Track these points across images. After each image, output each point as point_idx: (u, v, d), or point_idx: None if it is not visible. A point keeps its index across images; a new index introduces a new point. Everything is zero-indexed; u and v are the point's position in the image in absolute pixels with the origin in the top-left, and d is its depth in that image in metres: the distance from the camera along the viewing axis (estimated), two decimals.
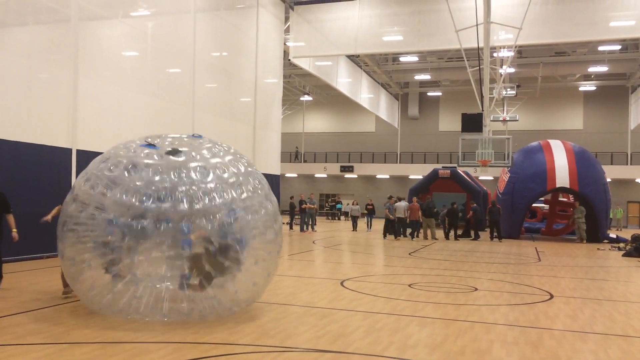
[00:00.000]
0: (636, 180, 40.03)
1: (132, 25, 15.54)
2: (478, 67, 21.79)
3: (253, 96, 21.14)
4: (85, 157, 13.15)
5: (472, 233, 22.85)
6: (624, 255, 17.22)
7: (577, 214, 22.07)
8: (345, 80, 32.06)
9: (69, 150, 12.74)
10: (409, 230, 22.24)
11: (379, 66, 37.28)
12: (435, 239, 21.93)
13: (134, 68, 15.21)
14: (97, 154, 13.51)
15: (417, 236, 21.98)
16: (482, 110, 22.11)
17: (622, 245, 19.77)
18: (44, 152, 12.07)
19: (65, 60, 12.78)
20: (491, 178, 38.91)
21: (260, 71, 21.44)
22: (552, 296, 9.27)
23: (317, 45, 24.49)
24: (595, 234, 22.10)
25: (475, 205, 23.26)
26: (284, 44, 24.67)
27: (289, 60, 25.99)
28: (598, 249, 19.60)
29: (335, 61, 30.08)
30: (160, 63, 16.16)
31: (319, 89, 42.17)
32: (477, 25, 20.39)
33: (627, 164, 40.11)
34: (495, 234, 22.13)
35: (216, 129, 17.44)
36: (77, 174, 12.86)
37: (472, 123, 22.23)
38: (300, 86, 40.33)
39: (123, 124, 14.02)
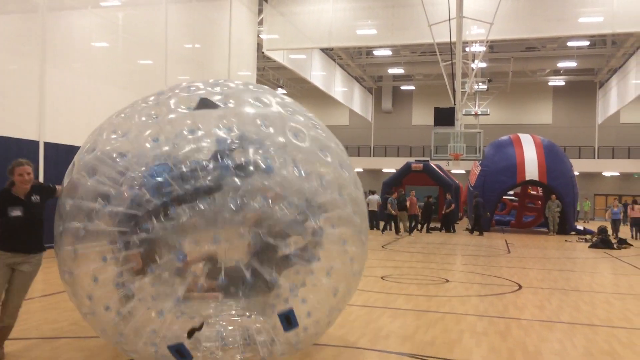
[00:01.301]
0: (603, 174, 41.02)
1: (103, 16, 15.27)
2: (450, 62, 22.02)
3: None
4: (54, 150, 12.90)
5: (444, 226, 23.13)
6: (590, 246, 17.67)
7: (553, 207, 22.48)
8: (319, 74, 32.05)
9: (37, 143, 12.49)
10: (382, 224, 22.41)
11: (352, 60, 37.34)
12: (407, 232, 22.17)
13: (104, 59, 14.96)
14: (66, 146, 13.36)
15: (419, 230, 22.26)
16: (455, 105, 22.37)
17: (588, 237, 20.27)
18: (11, 144, 11.80)
19: (33, 51, 12.51)
20: (463, 171, 39.38)
21: (233, 64, 21.30)
22: (520, 287, 9.48)
23: (291, 38, 24.40)
24: (563, 226, 22.61)
25: (450, 198, 23.53)
26: (258, 36, 24.53)
27: (263, 53, 25.85)
28: (566, 240, 20.07)
29: (309, 54, 30.03)
30: (131, 55, 15.93)
31: (293, 82, 42.07)
32: (449, 19, 20.58)
33: (594, 158, 41.05)
34: (475, 227, 22.02)
35: None
36: (45, 167, 12.63)
37: (445, 117, 22.49)
38: (274, 79, 40.17)
39: (93, 117, 13.72)
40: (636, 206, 22.20)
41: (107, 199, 4.02)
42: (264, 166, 4.04)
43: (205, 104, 4.44)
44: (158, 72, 16.73)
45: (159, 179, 3.92)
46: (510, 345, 5.81)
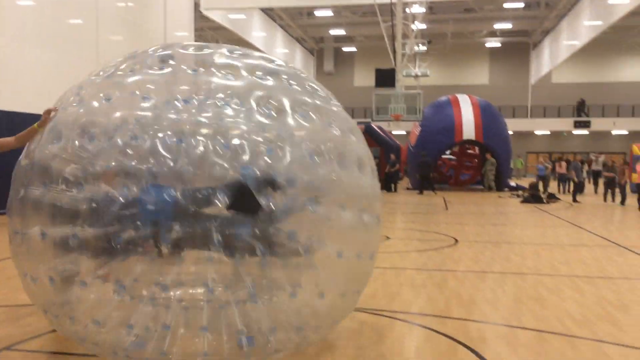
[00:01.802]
0: (535, 132, 42.77)
1: None
2: (391, 23, 22.13)
3: None
4: None
5: (385, 186, 23.63)
6: (522, 202, 18.57)
7: (487, 165, 23.34)
8: (260, 35, 31.51)
9: None
10: None
11: (293, 20, 36.85)
12: None
13: (31, 20, 14.14)
14: None
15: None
16: (395, 66, 22.60)
17: (520, 193, 21.26)
18: None
19: None
20: (404, 132, 40.14)
21: (169, 23, 20.59)
22: (457, 241, 9.91)
23: None
24: (498, 183, 23.59)
25: (395, 158, 23.95)
26: None
27: (201, 12, 25.09)
28: (499, 196, 20.98)
29: (249, 14, 29.40)
30: (60, 14, 15.12)
31: (233, 43, 40.70)
32: None
33: (527, 117, 42.66)
34: (424, 186, 22.23)
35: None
36: None
37: (386, 78, 22.73)
38: (213, 40, 39.14)
39: (20, 80, 13.12)
40: (563, 163, 23.55)
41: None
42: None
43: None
44: (89, 33, 15.99)
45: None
46: (446, 295, 6.12)
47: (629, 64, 42.42)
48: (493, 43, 42.95)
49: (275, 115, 3.65)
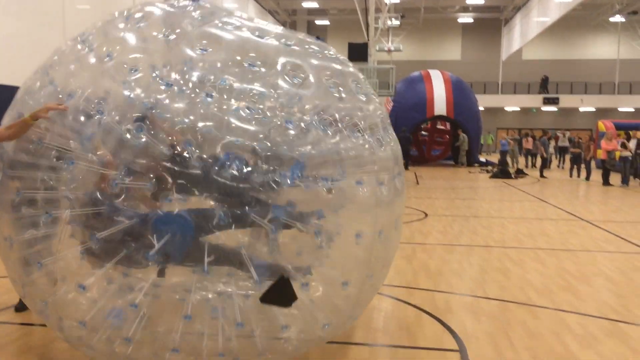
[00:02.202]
0: (505, 108, 43.30)
1: None
2: None
3: None
4: None
5: None
6: (491, 177, 18.90)
7: (459, 140, 23.65)
8: (232, 6, 30.94)
9: None
10: None
11: None
12: None
13: None
14: None
15: None
16: (368, 40, 22.53)
17: (490, 168, 21.62)
18: None
19: None
20: None
21: None
22: (426, 215, 10.09)
23: None
24: (468, 158, 23.94)
25: None
26: None
27: None
28: (469, 172, 21.31)
29: None
30: None
31: None
32: None
33: (498, 93, 43.12)
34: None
35: None
36: None
37: (358, 53, 22.65)
38: None
39: None
40: (529, 139, 24.15)
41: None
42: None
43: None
44: (55, 2, 15.49)
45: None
46: (415, 267, 6.27)
47: (597, 42, 43.06)
48: (465, 19, 43.06)
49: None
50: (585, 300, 5.20)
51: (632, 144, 17.03)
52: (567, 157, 22.87)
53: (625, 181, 16.27)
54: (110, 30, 3.54)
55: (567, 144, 26.41)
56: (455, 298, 5.20)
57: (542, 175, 19.33)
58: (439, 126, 27.26)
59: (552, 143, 25.50)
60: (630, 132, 18.23)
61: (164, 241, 2.97)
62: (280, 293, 3.07)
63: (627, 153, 16.45)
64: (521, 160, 24.86)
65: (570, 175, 19.06)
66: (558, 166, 24.73)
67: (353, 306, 3.56)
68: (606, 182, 16.34)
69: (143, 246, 3.00)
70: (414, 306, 4.91)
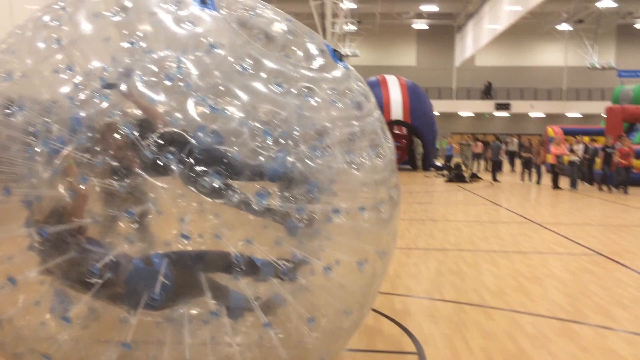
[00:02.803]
0: (459, 113, 44.31)
1: None
2: (321, 1, 22.10)
3: None
4: None
5: None
6: (446, 181, 19.28)
7: (413, 145, 24.10)
8: None
9: None
10: None
11: None
12: None
13: None
14: None
15: None
16: None
17: (445, 172, 22.05)
18: None
19: None
20: None
21: None
22: None
23: None
24: (424, 162, 24.35)
25: None
26: None
27: None
28: (425, 176, 21.68)
29: None
30: None
31: None
32: None
33: (452, 99, 44.09)
34: None
35: None
36: None
37: None
38: None
39: None
40: (478, 143, 25.08)
41: None
42: None
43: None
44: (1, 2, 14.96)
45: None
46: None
47: (546, 49, 44.61)
48: (420, 25, 43.89)
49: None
50: (537, 301, 5.35)
51: (579, 149, 17.69)
52: (518, 161, 23.63)
53: (573, 185, 16.87)
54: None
55: (516, 148, 27.33)
56: (413, 301, 5.28)
57: (495, 179, 19.85)
58: (396, 131, 27.64)
59: (503, 147, 26.31)
60: (577, 137, 18.93)
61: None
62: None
63: (575, 157, 17.08)
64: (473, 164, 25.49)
65: (522, 179, 19.62)
66: (511, 171, 25.50)
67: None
68: (555, 185, 16.91)
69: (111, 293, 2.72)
70: (373, 309, 4.94)
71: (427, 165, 24.38)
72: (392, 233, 3.59)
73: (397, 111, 23.62)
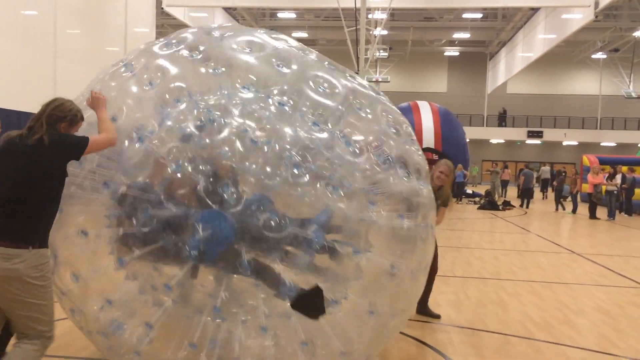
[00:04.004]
0: (490, 141, 43.82)
1: None
2: (355, 28, 22.27)
3: (123, 46, 19.85)
4: None
5: None
6: (478, 208, 18.98)
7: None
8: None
9: None
10: None
11: (256, 21, 36.63)
12: None
13: None
14: None
15: None
16: (358, 71, 22.74)
17: (477, 199, 21.73)
18: None
19: None
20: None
21: (130, 19, 20.12)
22: None
23: None
24: (455, 189, 24.05)
25: None
26: None
27: (162, 9, 24.66)
28: (457, 202, 21.38)
29: (211, 13, 29.04)
30: (15, 3, 14.56)
31: None
32: None
33: (483, 126, 43.65)
34: None
35: (82, 78, 16.23)
36: None
37: None
38: None
39: None
40: (507, 170, 24.96)
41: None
42: None
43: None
44: (46, 25, 15.45)
45: None
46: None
47: (580, 78, 43.99)
48: (451, 52, 43.82)
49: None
50: (585, 335, 5.14)
51: (617, 179, 17.25)
52: (549, 189, 23.18)
53: (611, 215, 16.41)
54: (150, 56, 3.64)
55: (548, 176, 26.91)
56: (456, 330, 5.11)
57: (525, 207, 19.51)
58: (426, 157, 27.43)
59: (535, 175, 25.96)
60: (616, 167, 18.45)
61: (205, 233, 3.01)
62: (310, 302, 3.06)
63: (612, 187, 16.65)
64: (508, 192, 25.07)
65: (556, 209, 19.14)
66: (543, 198, 24.99)
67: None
68: (593, 215, 16.47)
69: (181, 240, 3.03)
70: (415, 339, 4.81)
71: (459, 193, 24.05)
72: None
73: (429, 139, 23.38)
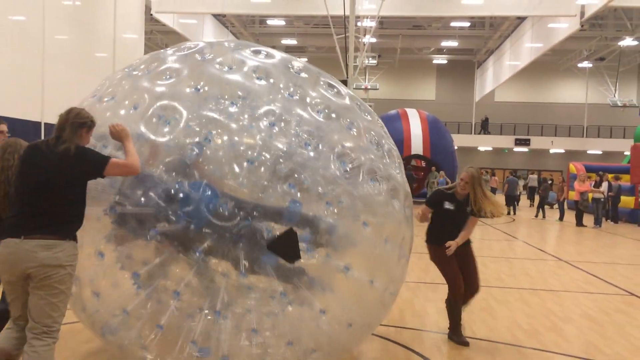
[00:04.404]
0: (478, 148, 44.12)
1: None
2: (344, 35, 22.37)
3: (112, 52, 19.77)
4: None
5: None
6: None
7: (431, 178, 23.84)
8: (210, 41, 31.15)
9: None
10: None
11: (245, 28, 36.69)
12: None
13: None
14: None
15: None
16: (347, 78, 22.82)
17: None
18: None
19: None
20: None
21: (119, 25, 20.06)
22: None
23: (182, 0, 23.46)
24: None
25: None
26: None
27: (151, 15, 24.62)
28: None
29: (200, 19, 29.07)
30: (3, 9, 14.47)
31: None
32: None
33: (471, 133, 43.95)
34: None
35: (70, 83, 16.13)
36: None
37: None
38: (163, 44, 38.41)
39: None
40: (494, 178, 25.19)
41: None
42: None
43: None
44: (34, 30, 15.36)
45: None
46: (400, 306, 6.18)
47: (566, 86, 44.48)
48: (440, 60, 44.15)
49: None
50: (573, 342, 5.18)
51: (603, 186, 17.43)
52: (536, 197, 23.41)
53: (598, 222, 16.57)
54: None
55: (535, 184, 27.19)
56: (444, 338, 5.13)
57: (510, 213, 19.67)
58: (414, 163, 27.54)
59: (521, 182, 26.25)
60: (602, 175, 18.63)
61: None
62: (285, 246, 3.34)
63: (599, 195, 16.81)
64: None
65: (542, 216, 19.25)
66: (530, 206, 25.19)
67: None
68: (579, 222, 16.62)
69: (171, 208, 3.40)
70: (403, 346, 4.82)
71: None
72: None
73: (417, 145, 23.53)
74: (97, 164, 3.27)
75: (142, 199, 3.44)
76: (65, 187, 3.21)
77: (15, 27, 15.03)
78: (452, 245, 4.89)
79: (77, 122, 3.30)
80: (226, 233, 3.34)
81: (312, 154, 3.56)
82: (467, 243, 5.17)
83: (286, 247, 3.35)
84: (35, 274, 3.11)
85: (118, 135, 3.42)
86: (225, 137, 3.51)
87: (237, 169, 3.42)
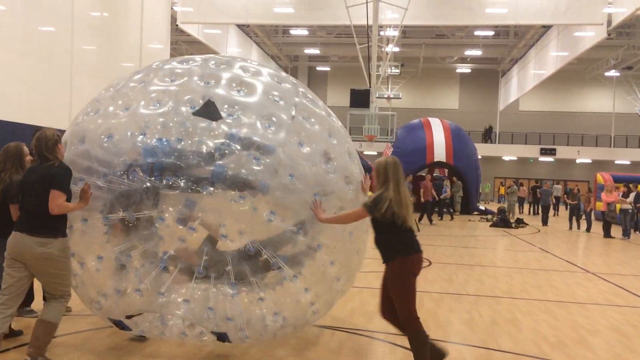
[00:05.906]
0: (502, 158, 43.61)
1: None
2: (367, 45, 22.41)
3: (138, 62, 20.11)
4: None
5: None
6: (491, 225, 18.84)
7: (454, 188, 23.62)
8: (235, 50, 31.49)
9: None
10: None
11: (269, 38, 37.00)
12: None
13: (3, 24, 13.82)
14: None
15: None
16: (370, 87, 22.82)
17: (489, 217, 21.57)
18: None
19: None
20: (375, 153, 40.46)
21: (145, 35, 20.41)
22: (430, 263, 9.96)
23: (207, 11, 23.78)
24: (467, 206, 23.86)
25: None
26: (172, 8, 23.66)
27: (177, 26, 24.99)
28: (469, 220, 21.24)
29: (224, 30, 29.42)
30: (33, 20, 14.82)
31: None
32: (367, 2, 20.89)
33: (495, 143, 43.50)
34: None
35: (97, 93, 16.43)
36: None
37: (360, 99, 22.91)
38: (188, 54, 38.94)
39: None
40: (522, 187, 24.86)
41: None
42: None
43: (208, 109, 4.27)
44: (63, 41, 15.70)
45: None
46: (423, 316, 6.08)
47: (593, 95, 43.80)
48: (463, 69, 43.89)
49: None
50: (600, 355, 5.06)
51: (631, 197, 17.05)
52: (561, 207, 23.09)
53: (626, 234, 16.21)
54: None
55: (559, 194, 26.78)
56: (469, 350, 5.06)
57: (544, 224, 19.46)
58: (436, 173, 27.31)
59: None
60: (631, 185, 18.23)
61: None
62: (207, 110, 4.19)
63: (627, 205, 16.46)
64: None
65: (570, 227, 18.93)
66: (554, 215, 24.83)
67: None
68: (607, 234, 16.28)
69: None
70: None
71: (471, 209, 23.89)
72: None
73: (440, 152, 23.39)
74: (62, 186, 4.08)
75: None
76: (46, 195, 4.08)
77: (43, 38, 15.39)
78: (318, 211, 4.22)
79: (51, 141, 4.16)
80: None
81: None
82: (388, 260, 4.40)
83: (209, 112, 4.18)
84: (35, 265, 4.10)
85: (83, 194, 4.12)
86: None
87: None
